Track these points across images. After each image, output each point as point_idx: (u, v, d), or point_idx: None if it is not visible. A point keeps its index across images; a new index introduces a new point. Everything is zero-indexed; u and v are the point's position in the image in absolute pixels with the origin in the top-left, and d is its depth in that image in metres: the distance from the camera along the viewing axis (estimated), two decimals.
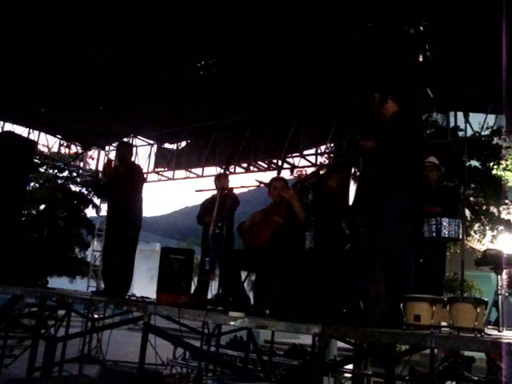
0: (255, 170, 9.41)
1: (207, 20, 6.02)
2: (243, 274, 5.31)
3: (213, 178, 7.08)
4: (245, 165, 9.39)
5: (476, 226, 9.94)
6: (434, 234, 5.19)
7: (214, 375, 6.92)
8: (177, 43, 6.56)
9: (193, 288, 6.18)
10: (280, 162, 9.20)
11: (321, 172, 5.34)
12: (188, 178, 10.26)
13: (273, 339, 7.68)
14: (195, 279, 6.94)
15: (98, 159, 12.08)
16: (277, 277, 4.26)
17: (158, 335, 4.81)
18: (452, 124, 8.07)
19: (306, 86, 7.19)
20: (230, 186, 6.34)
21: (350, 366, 7.84)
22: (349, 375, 8.21)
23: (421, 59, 6.32)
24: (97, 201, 14.61)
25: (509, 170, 9.82)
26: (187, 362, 9.06)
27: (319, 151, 8.81)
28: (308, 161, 9.08)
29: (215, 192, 6.28)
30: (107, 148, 11.82)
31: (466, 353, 9.12)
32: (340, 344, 9.24)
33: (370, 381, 8.36)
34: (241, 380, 5.42)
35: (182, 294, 5.39)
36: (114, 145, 11.27)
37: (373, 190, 4.23)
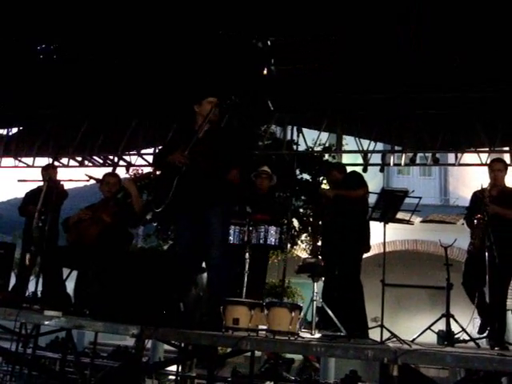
0: (90, 164, 9.06)
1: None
2: (65, 272, 5.06)
3: None
4: (79, 158, 9.00)
5: (303, 236, 10.49)
6: (261, 241, 5.40)
7: (22, 379, 6.48)
8: (16, 21, 6.08)
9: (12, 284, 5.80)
10: (116, 159, 8.95)
11: (157, 172, 5.31)
12: (17, 167, 9.55)
13: (96, 340, 7.37)
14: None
15: None
16: (99, 276, 4.13)
17: None
18: (288, 137, 8.46)
19: (149, 85, 7.10)
20: (59, 178, 6.05)
21: (174, 368, 7.83)
22: (173, 377, 8.20)
23: (265, 72, 6.56)
24: None
25: None
26: None
27: (157, 151, 8.70)
28: (145, 160, 8.94)
29: (42, 184, 5.92)
30: None
31: (288, 355, 9.61)
32: (167, 347, 9.21)
33: (194, 383, 8.43)
34: None
35: None
36: None
37: (197, 194, 4.27)
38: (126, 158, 8.99)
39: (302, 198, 10.18)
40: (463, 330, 5.28)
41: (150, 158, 8.82)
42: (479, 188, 5.48)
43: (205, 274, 4.43)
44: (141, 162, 9.01)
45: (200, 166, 4.23)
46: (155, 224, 10.72)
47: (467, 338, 5.21)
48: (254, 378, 7.58)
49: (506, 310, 5.29)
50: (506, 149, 7.57)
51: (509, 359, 3.23)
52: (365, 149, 7.91)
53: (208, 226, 4.22)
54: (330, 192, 5.88)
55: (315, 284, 4.69)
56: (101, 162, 9.11)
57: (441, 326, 5.56)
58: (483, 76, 6.28)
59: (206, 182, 4.22)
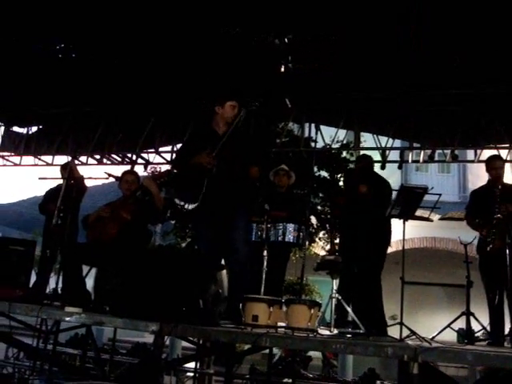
0: (108, 162, 9.12)
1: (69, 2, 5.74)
2: (85, 269, 5.11)
3: None
4: (98, 156, 9.07)
5: (321, 234, 10.47)
6: (279, 239, 5.41)
7: (43, 374, 6.55)
8: (35, 20, 6.14)
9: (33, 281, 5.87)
10: (134, 157, 9.00)
11: (175, 171, 5.37)
12: (36, 165, 9.66)
13: (115, 337, 7.47)
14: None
15: None
16: (119, 273, 4.16)
17: None
18: (306, 134, 8.44)
19: (166, 83, 7.12)
20: (79, 176, 6.11)
21: (192, 365, 7.87)
22: (191, 374, 8.24)
23: (283, 69, 6.55)
24: None
25: None
26: (21, 361, 8.53)
27: (175, 149, 8.74)
28: (163, 158, 8.97)
29: (62, 182, 5.99)
30: None
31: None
32: (185, 343, 9.25)
33: (212, 380, 8.46)
34: (74, 379, 5.20)
35: (18, 287, 5.09)
36: None
37: (224, 196, 4.32)
38: (144, 155, 9.06)
39: (320, 195, 10.16)
40: (483, 328, 5.23)
41: (168, 156, 8.86)
42: None
43: (224, 271, 4.46)
44: (159, 159, 9.05)
45: (225, 168, 4.27)
46: (173, 222, 10.77)
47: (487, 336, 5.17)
48: (272, 375, 7.59)
49: None
50: None
51: None
52: (383, 146, 7.87)
53: (232, 226, 4.31)
54: (363, 187, 5.78)
55: (334, 281, 4.68)
56: (119, 159, 9.17)
57: (460, 324, 5.52)
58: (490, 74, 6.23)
59: (232, 184, 4.28)
